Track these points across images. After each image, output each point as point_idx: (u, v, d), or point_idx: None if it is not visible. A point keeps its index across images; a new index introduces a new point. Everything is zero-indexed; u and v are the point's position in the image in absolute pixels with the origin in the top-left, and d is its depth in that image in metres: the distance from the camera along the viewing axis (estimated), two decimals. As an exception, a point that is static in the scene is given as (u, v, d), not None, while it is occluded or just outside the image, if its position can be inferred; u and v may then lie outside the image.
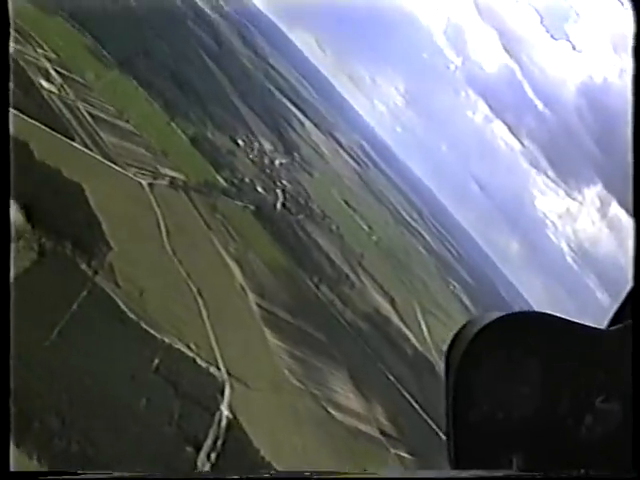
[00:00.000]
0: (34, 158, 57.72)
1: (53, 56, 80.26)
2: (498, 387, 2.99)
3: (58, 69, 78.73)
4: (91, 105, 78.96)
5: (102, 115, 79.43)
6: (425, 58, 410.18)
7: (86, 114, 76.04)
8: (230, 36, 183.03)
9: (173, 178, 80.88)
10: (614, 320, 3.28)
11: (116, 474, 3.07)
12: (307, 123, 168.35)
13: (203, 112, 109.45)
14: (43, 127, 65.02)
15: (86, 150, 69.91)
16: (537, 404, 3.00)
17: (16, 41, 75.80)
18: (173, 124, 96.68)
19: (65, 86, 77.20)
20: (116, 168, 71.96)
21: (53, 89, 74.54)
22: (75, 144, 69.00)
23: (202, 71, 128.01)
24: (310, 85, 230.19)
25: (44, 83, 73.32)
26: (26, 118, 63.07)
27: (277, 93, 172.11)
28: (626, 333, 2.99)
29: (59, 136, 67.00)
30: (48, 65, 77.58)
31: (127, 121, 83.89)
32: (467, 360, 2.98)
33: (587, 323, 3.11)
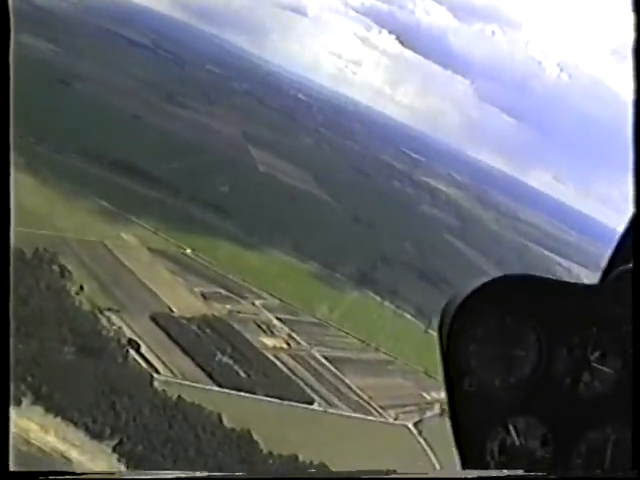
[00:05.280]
0: (259, 449, 45.65)
1: (276, 303, 70.84)
2: (491, 353, 2.97)
3: (282, 317, 68.82)
4: (328, 347, 67.37)
5: (344, 355, 67.43)
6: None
7: (324, 361, 64.23)
8: (470, 205, 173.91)
9: (444, 404, 65.66)
10: (605, 274, 3.22)
11: (116, 474, 4.28)
12: (573, 267, 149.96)
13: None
14: (274, 401, 53.49)
15: (330, 410, 57.05)
16: (533, 366, 3.02)
17: (227, 300, 67.28)
18: (431, 331, 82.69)
19: (294, 335, 66.43)
20: (371, 419, 58.53)
21: (280, 344, 63.90)
22: (314, 407, 56.52)
23: (450, 255, 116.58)
24: (563, 223, 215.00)
25: (267, 341, 62.84)
26: (250, 397, 52.37)
27: (532, 246, 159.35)
28: (617, 285, 3.04)
29: (294, 405, 55.00)
30: (270, 316, 67.82)
31: (377, 349, 71.64)
32: (457, 327, 2.96)
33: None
